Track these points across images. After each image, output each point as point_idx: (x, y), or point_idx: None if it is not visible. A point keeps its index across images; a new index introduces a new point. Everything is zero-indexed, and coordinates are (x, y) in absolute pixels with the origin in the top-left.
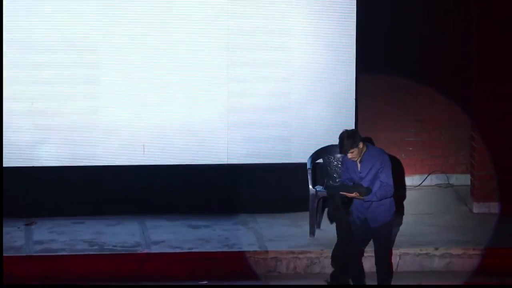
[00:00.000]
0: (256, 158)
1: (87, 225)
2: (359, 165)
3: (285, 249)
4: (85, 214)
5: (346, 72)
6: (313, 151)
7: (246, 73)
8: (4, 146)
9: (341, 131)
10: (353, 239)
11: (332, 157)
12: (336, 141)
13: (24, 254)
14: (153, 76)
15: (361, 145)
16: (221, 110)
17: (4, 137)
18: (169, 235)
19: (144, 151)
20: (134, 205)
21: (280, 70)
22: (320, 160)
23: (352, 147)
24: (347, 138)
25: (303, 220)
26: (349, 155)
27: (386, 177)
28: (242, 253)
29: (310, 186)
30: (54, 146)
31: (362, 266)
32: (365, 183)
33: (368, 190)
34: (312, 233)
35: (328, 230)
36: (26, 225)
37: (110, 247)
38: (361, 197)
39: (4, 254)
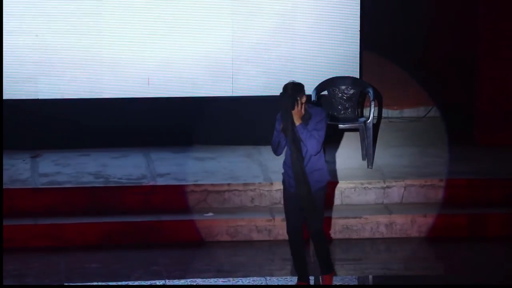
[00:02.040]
0: (260, 90)
1: (93, 158)
2: (296, 123)
3: None
4: (91, 146)
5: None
6: (318, 83)
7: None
8: (9, 79)
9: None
10: (289, 212)
11: (337, 89)
12: (341, 73)
13: (30, 187)
14: (157, 8)
15: (304, 98)
16: (225, 43)
17: (9, 70)
18: (174, 168)
19: (148, 84)
20: (139, 137)
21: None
22: (325, 92)
23: (295, 93)
24: (292, 86)
25: None
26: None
27: (321, 126)
28: (247, 185)
29: None
30: (58, 80)
31: (303, 240)
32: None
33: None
34: None
35: (334, 162)
36: (32, 157)
37: (116, 179)
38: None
39: (10, 187)
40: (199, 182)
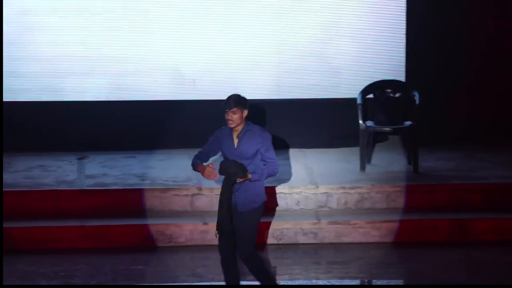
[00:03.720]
0: (306, 93)
1: (139, 160)
2: (235, 141)
3: (335, 184)
4: (136, 148)
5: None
6: (363, 86)
7: (294, 4)
8: (56, 79)
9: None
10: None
11: (383, 92)
12: (385, 77)
13: (76, 188)
14: (204, 12)
15: (245, 112)
16: (271, 46)
17: (56, 70)
18: None
19: (194, 86)
20: (184, 139)
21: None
22: (371, 95)
23: (237, 105)
24: (236, 97)
25: (353, 155)
26: (229, 116)
27: (272, 155)
28: (292, 188)
29: (361, 121)
30: (105, 81)
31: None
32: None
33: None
34: (362, 168)
35: (379, 165)
36: (78, 159)
37: (161, 181)
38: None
39: (57, 188)
40: None
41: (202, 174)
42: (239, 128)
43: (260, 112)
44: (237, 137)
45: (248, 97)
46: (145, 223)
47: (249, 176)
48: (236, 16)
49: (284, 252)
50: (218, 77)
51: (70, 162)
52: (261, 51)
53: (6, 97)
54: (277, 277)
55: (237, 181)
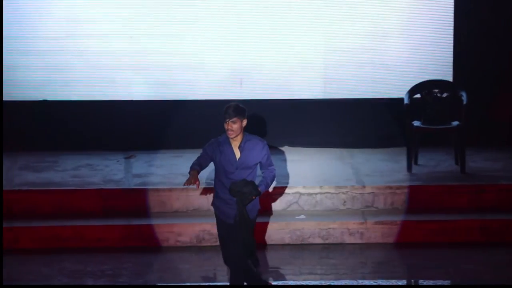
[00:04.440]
0: (352, 93)
1: (186, 159)
2: (237, 152)
3: (382, 184)
4: (183, 147)
5: None
6: (410, 86)
7: (342, 11)
8: (106, 79)
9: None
10: (223, 239)
11: (430, 92)
12: (433, 77)
13: (124, 187)
14: (251, 12)
15: (244, 122)
16: (318, 46)
17: (105, 72)
18: None
19: (241, 86)
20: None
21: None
22: (418, 95)
23: (237, 115)
24: (235, 107)
25: (400, 155)
26: (229, 126)
27: (271, 161)
28: (339, 188)
29: (408, 121)
30: (152, 81)
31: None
32: (240, 173)
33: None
34: (409, 168)
35: (426, 165)
36: (126, 158)
37: (208, 181)
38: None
39: (104, 187)
40: (291, 185)
41: (190, 181)
42: (239, 138)
43: (307, 112)
44: (239, 148)
45: (294, 97)
46: (193, 222)
47: (260, 191)
48: (284, 15)
49: (330, 252)
50: (265, 77)
51: (118, 161)
52: (308, 51)
53: (54, 96)
54: (323, 276)
55: (252, 198)
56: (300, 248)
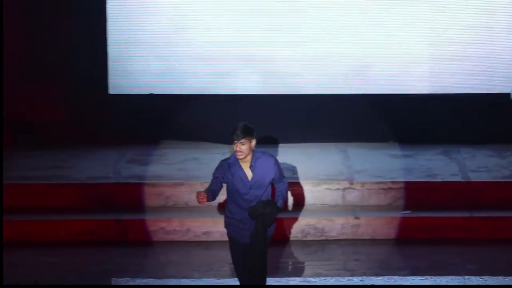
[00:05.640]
0: (459, 88)
1: (291, 153)
2: (249, 172)
3: (489, 179)
4: (287, 141)
5: None
6: None
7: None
8: (209, 72)
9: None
10: (239, 261)
11: None
12: None
13: None
14: (354, 5)
15: (253, 142)
16: (423, 39)
17: (208, 65)
18: (371, 164)
19: (345, 81)
20: (335, 133)
21: None
22: None
23: (246, 135)
24: (243, 127)
25: (507, 151)
26: (238, 147)
27: (282, 175)
28: (444, 184)
29: None
30: (256, 75)
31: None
32: (254, 192)
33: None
34: None
35: None
36: (231, 151)
37: (313, 175)
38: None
39: (207, 180)
40: (396, 180)
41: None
42: (249, 158)
43: (413, 107)
44: (250, 167)
45: (401, 92)
46: (295, 217)
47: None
48: (391, 11)
49: (436, 247)
50: (371, 72)
51: (223, 154)
52: (415, 47)
53: (162, 91)
54: (428, 272)
55: (275, 217)
56: (405, 242)
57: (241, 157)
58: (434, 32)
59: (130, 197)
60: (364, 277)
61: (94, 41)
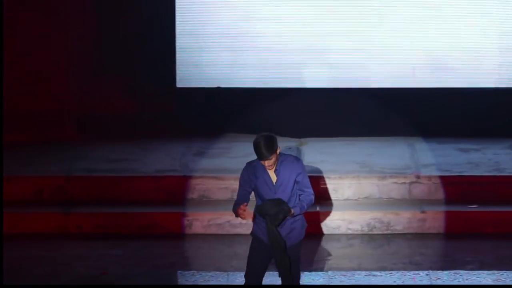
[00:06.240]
0: None
1: (358, 147)
2: (274, 176)
3: None
4: (355, 135)
5: None
6: None
7: None
8: (274, 65)
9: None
10: (253, 269)
11: None
12: None
13: None
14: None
15: (278, 151)
16: (491, 31)
17: (273, 58)
18: (438, 158)
19: (414, 74)
20: (404, 127)
21: None
22: None
23: (270, 153)
24: (265, 144)
25: None
26: (266, 163)
27: (307, 183)
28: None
29: None
30: (325, 67)
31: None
32: (278, 196)
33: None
34: None
35: None
36: (298, 145)
37: (380, 168)
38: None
39: None
40: (464, 173)
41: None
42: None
43: (481, 100)
44: (275, 171)
45: (468, 86)
46: (361, 210)
47: (292, 211)
48: (454, 5)
49: (503, 241)
50: (437, 66)
51: (290, 148)
52: (483, 41)
53: (230, 83)
54: (495, 267)
55: (281, 218)
56: (472, 237)
57: (271, 169)
58: (502, 29)
59: (196, 190)
60: (430, 271)
61: (162, 34)
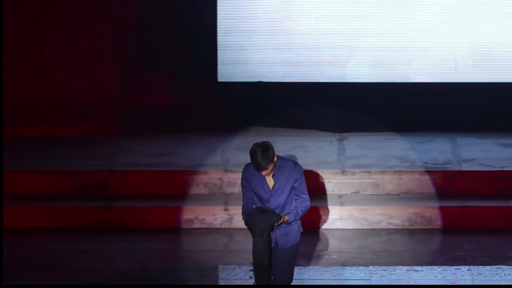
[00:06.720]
0: None
1: (399, 142)
2: (271, 181)
3: None
4: (397, 130)
5: None
6: None
7: None
8: (311, 64)
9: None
10: (258, 270)
11: None
12: None
13: (336, 170)
14: None
15: (275, 157)
16: None
17: (317, 54)
18: (480, 153)
19: (456, 68)
20: (445, 122)
21: None
22: None
23: (269, 163)
24: (262, 154)
25: None
26: (264, 172)
27: (304, 189)
28: None
29: None
30: (365, 63)
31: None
32: (274, 201)
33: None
34: None
35: None
36: (339, 140)
37: (421, 163)
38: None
39: (315, 169)
40: (505, 169)
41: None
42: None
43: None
44: (272, 176)
45: (502, 81)
46: (405, 205)
47: (286, 218)
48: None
49: None
50: (479, 60)
51: (331, 143)
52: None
53: (271, 79)
54: None
55: (275, 225)
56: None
57: (270, 175)
58: None
59: (237, 184)
60: (472, 266)
61: (204, 30)
